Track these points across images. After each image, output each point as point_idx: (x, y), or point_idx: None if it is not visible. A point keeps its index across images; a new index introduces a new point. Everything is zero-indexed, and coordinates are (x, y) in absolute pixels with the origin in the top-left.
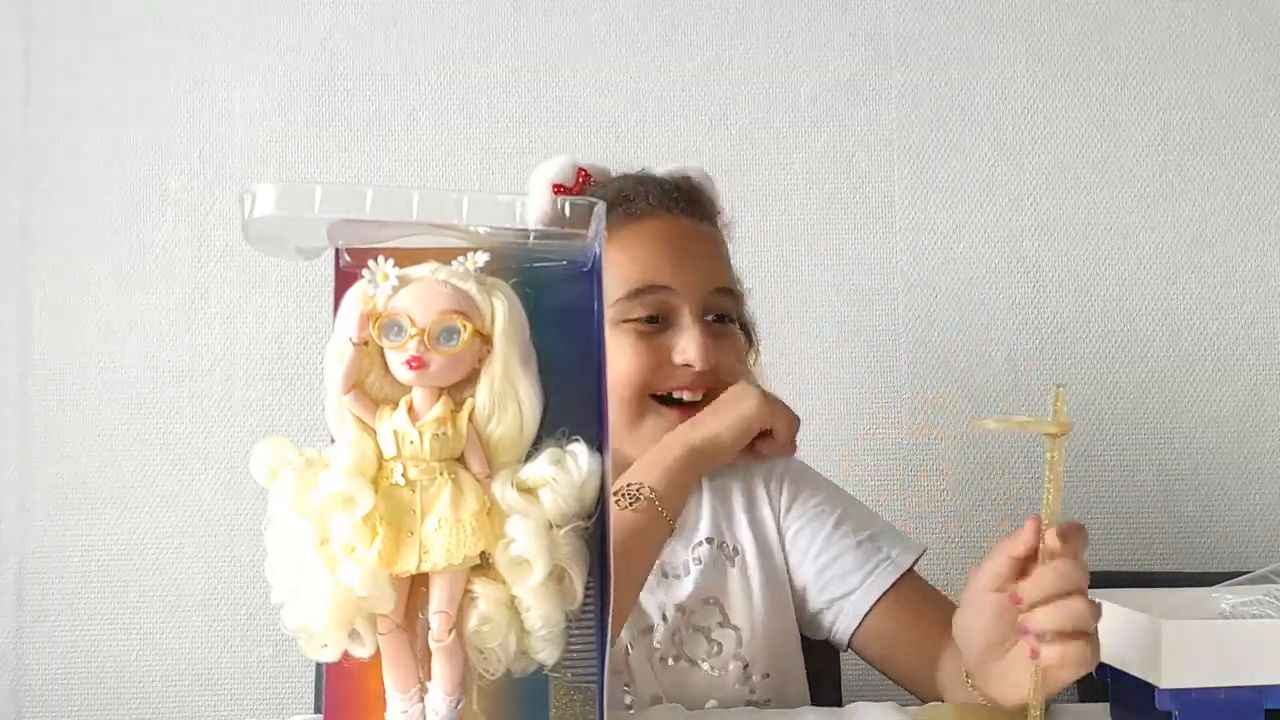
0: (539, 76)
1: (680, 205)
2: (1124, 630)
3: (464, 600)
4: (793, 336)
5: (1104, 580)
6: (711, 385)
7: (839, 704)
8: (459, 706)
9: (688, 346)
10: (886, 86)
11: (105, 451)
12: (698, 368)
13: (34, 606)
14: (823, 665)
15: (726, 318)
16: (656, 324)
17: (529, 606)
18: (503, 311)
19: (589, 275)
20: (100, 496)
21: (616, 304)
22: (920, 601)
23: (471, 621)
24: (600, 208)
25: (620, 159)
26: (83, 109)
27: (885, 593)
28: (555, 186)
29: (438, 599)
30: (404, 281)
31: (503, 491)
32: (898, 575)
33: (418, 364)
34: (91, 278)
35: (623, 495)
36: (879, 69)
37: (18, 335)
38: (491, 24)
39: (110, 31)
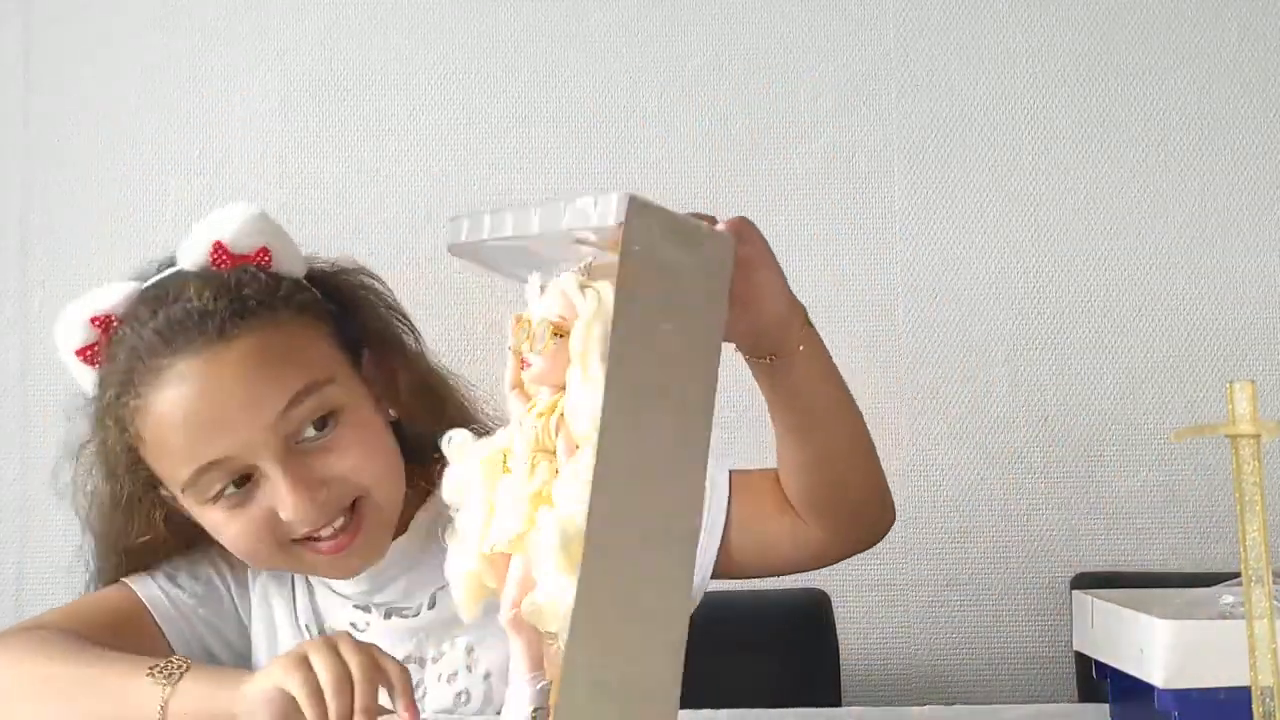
0: (539, 77)
1: (210, 327)
2: (1124, 630)
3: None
4: None
5: (1104, 580)
6: (354, 494)
7: (838, 704)
8: (541, 686)
9: (282, 507)
10: (886, 87)
11: None
12: (301, 526)
13: (34, 606)
14: (822, 665)
15: (327, 420)
16: (244, 487)
17: None
18: (586, 310)
19: None
20: None
21: (186, 490)
22: (746, 477)
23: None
24: (623, 197)
25: (619, 159)
26: (83, 109)
27: (729, 495)
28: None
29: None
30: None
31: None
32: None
33: (526, 365)
34: (91, 278)
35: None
36: (878, 70)
37: (18, 335)
38: (491, 24)
39: (110, 31)
